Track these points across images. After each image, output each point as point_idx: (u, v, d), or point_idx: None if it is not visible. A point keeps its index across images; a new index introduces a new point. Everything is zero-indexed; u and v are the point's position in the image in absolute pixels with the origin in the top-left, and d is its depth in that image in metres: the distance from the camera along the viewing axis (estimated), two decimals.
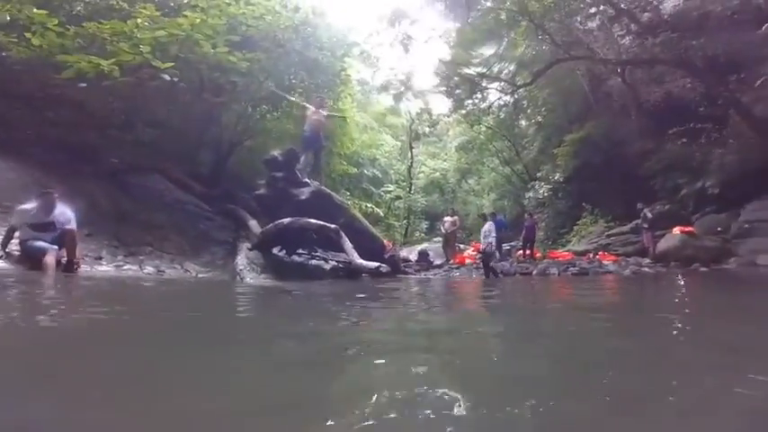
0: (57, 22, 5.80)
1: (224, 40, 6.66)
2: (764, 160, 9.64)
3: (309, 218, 6.50)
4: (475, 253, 13.91)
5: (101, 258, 5.62)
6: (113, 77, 5.82)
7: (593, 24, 15.50)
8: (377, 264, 6.28)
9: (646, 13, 14.04)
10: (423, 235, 23.45)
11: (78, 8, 6.71)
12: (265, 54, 7.57)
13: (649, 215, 10.33)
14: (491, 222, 8.37)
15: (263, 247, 6.57)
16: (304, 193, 7.15)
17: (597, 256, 10.82)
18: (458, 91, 16.27)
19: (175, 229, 7.31)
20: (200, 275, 6.09)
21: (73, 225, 4.88)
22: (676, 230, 9.77)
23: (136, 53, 5.93)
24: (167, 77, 6.18)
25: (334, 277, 6.88)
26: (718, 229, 9.89)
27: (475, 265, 11.17)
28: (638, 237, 11.17)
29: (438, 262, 11.78)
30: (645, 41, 12.32)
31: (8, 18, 5.84)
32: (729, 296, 5.26)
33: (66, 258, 4.80)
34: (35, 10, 5.83)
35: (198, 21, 6.44)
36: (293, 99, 9.05)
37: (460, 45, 16.62)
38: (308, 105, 8.46)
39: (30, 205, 4.79)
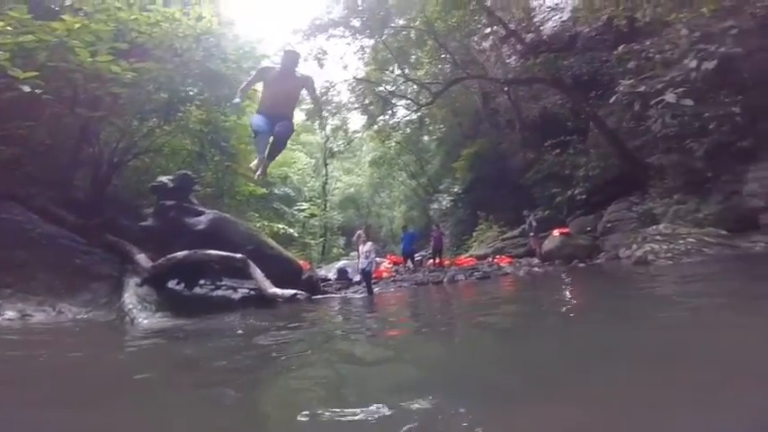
0: None
1: (108, 48, 5.97)
2: (618, 168, 11.67)
3: (210, 249, 6.02)
4: (391, 265, 14.34)
5: None
6: None
7: (486, 44, 17.36)
8: (292, 291, 6.05)
9: (530, 35, 16.15)
10: (341, 251, 23.37)
11: None
12: (158, 63, 6.94)
13: (534, 222, 11.80)
14: (371, 243, 8.67)
15: (155, 281, 5.89)
16: (201, 223, 6.59)
17: (495, 260, 11.94)
18: (371, 107, 16.81)
19: (44, 266, 6.18)
20: (78, 317, 5.27)
21: None
22: (556, 232, 11.27)
23: None
24: (28, 88, 5.32)
25: (245, 307, 6.41)
26: (588, 228, 11.64)
27: (392, 279, 11.48)
28: (525, 239, 12.62)
29: (357, 278, 11.82)
30: (527, 61, 13.86)
31: None
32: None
33: None
34: None
35: (77, 26, 5.72)
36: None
37: (374, 62, 17.25)
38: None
39: None
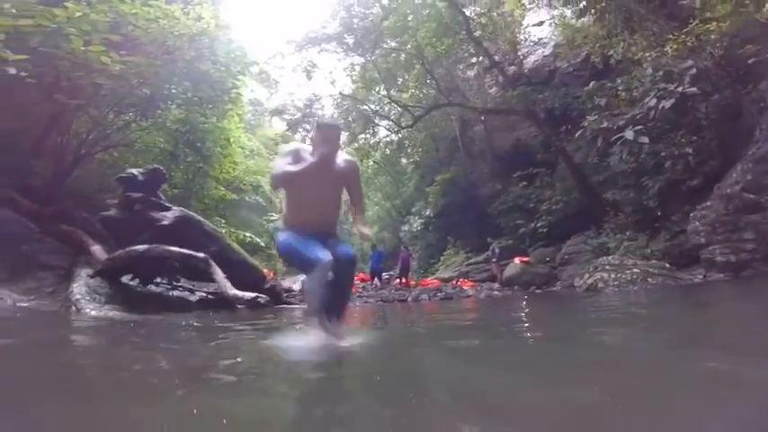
0: None
1: (102, 39, 5.94)
2: (579, 202, 12.28)
3: (173, 246, 5.91)
4: (358, 282, 14.36)
5: None
6: None
7: (471, 73, 18.13)
8: (253, 294, 5.97)
9: (512, 67, 16.97)
10: None
11: None
12: (147, 58, 6.91)
13: (497, 249, 12.30)
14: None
15: (109, 275, 5.71)
16: (167, 218, 6.46)
17: (459, 283, 12.23)
18: (353, 125, 17.14)
19: None
20: (18, 305, 5.02)
21: None
22: (517, 260, 11.73)
23: None
24: (13, 71, 5.21)
25: (202, 309, 6.26)
26: (547, 259, 12.18)
27: (357, 294, 11.48)
28: (489, 266, 13.05)
29: None
30: (506, 92, 14.42)
31: None
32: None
33: None
34: None
35: (78, 14, 5.68)
36: None
37: (362, 81, 17.67)
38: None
39: None
